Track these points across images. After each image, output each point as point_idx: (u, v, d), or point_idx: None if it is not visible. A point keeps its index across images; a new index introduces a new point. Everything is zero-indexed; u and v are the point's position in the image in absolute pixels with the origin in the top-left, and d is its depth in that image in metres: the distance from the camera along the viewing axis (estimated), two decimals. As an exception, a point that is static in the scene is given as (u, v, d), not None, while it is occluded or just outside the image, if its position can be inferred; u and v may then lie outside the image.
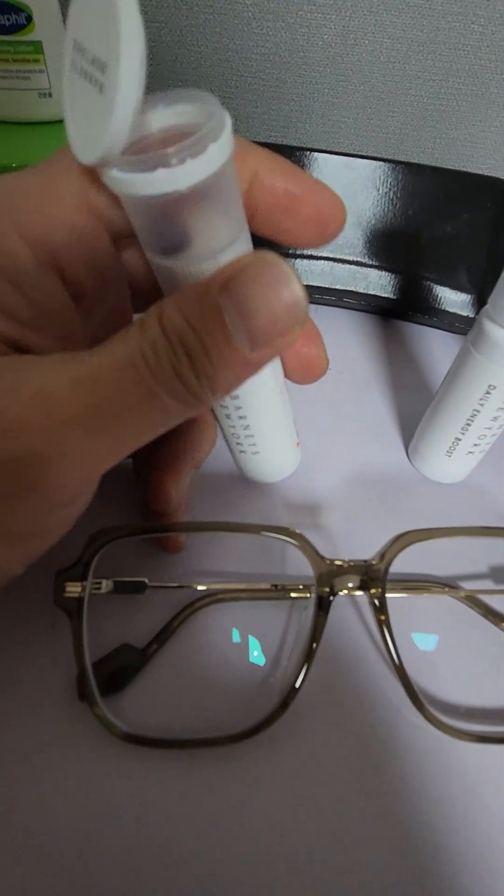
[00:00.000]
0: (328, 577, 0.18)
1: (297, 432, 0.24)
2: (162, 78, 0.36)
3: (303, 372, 0.17)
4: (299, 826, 0.17)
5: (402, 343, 0.35)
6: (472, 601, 0.22)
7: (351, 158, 0.32)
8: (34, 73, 0.28)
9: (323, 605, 0.18)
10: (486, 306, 0.21)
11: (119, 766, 0.17)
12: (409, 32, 0.33)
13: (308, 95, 0.36)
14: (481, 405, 0.22)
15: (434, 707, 0.19)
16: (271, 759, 0.18)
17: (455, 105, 0.36)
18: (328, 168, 0.33)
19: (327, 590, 0.18)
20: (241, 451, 0.22)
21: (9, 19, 0.26)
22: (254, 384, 0.18)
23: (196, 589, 0.21)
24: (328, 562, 0.18)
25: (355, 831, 0.17)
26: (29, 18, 0.26)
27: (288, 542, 0.18)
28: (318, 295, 0.34)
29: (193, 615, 0.20)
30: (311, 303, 0.36)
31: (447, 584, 0.22)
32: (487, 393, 0.21)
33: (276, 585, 0.21)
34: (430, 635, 0.21)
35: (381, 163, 0.32)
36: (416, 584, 0.22)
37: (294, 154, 0.32)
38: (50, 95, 0.29)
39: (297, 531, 0.18)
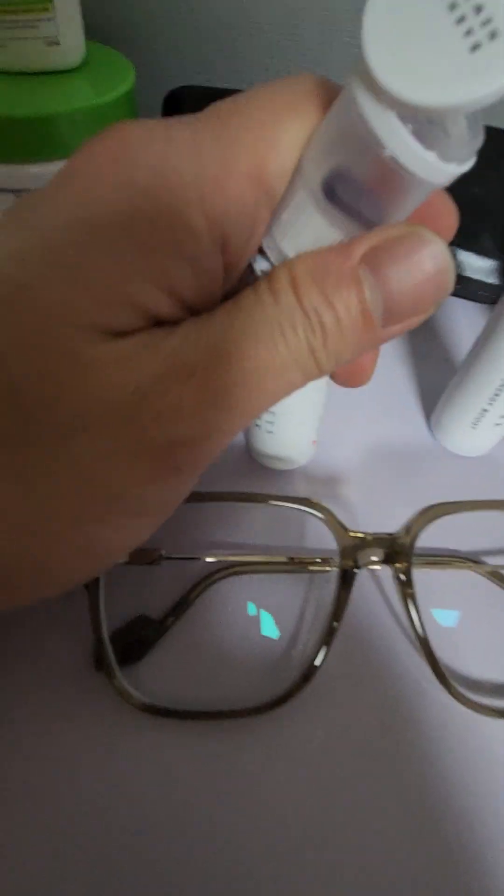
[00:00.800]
0: (352, 549, 0.18)
1: (319, 431, 0.23)
2: (179, 48, 0.34)
3: (347, 377, 0.15)
4: (317, 801, 0.17)
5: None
6: (496, 576, 0.21)
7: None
8: (43, 21, 0.26)
9: (347, 579, 0.17)
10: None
11: (137, 736, 0.17)
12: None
13: (327, 42, 0.34)
14: (512, 375, 0.21)
15: (458, 683, 0.19)
16: (291, 733, 0.18)
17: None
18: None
19: (351, 563, 0.17)
20: (256, 425, 0.22)
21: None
22: None
23: (214, 561, 0.20)
24: (352, 534, 0.18)
25: (375, 807, 0.17)
26: (35, -42, 0.24)
27: (311, 513, 0.18)
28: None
29: (211, 587, 0.20)
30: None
31: (470, 559, 0.22)
32: (519, 362, 0.20)
33: (295, 558, 0.21)
34: (453, 611, 0.21)
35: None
36: (439, 558, 0.21)
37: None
38: (58, 43, 0.27)
39: (320, 502, 0.18)
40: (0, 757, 0.17)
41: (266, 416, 0.21)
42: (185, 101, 0.31)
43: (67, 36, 0.27)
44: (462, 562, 0.21)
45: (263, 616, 0.20)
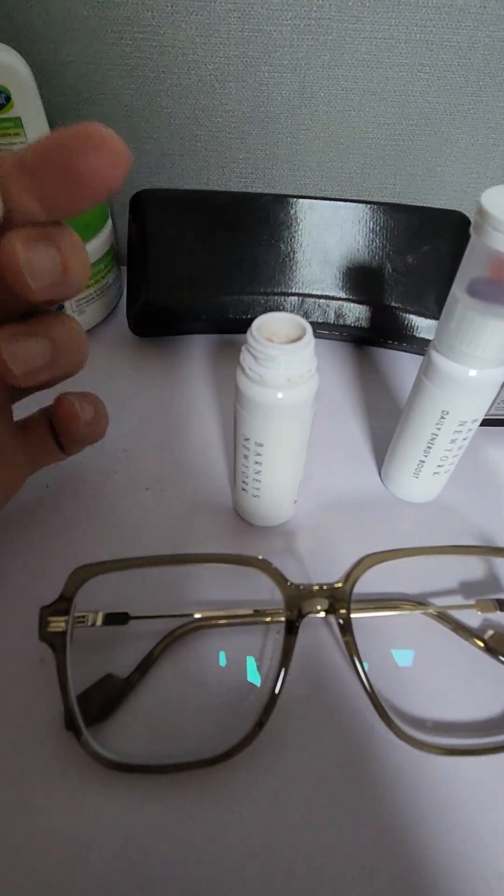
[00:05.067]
0: (296, 600, 0.19)
1: (299, 492, 0.26)
2: (137, 137, 0.38)
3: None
4: (279, 843, 0.18)
5: (376, 368, 0.36)
6: (443, 617, 0.23)
7: (315, 201, 0.35)
8: (16, 144, 0.30)
9: (292, 629, 0.19)
10: (433, 339, 0.22)
11: (105, 792, 0.18)
12: (361, 83, 0.36)
13: (272, 143, 0.39)
14: (438, 429, 0.23)
15: (405, 722, 0.20)
16: (250, 779, 0.19)
17: (410, 144, 0.38)
18: (296, 211, 0.35)
19: (295, 613, 0.19)
20: (243, 490, 0.24)
21: (-11, 101, 0.28)
22: (281, 437, 0.20)
23: (177, 617, 0.22)
24: (295, 586, 0.19)
25: (333, 847, 0.18)
26: (8, 98, 0.28)
27: (256, 570, 0.19)
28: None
29: (174, 643, 0.22)
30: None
31: (418, 602, 0.23)
32: (442, 417, 0.23)
33: (254, 611, 0.22)
34: (402, 651, 0.22)
35: (342, 203, 0.34)
36: (385, 602, 0.23)
37: (261, 200, 0.34)
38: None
39: (263, 559, 0.19)
40: (-25, 821, 0.18)
41: (252, 483, 0.23)
42: (148, 203, 0.35)
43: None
44: (409, 604, 0.23)
45: (225, 667, 0.21)
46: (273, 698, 0.19)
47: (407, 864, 0.17)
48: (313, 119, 0.37)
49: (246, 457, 0.22)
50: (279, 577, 0.19)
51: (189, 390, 0.34)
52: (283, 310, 0.36)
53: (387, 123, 0.37)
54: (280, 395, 0.19)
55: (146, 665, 0.21)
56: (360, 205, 0.35)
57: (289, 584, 0.19)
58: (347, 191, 0.41)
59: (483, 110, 0.37)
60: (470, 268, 0.19)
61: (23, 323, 0.18)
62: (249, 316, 0.36)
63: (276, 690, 0.19)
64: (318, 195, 0.41)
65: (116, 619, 0.21)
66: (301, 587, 0.19)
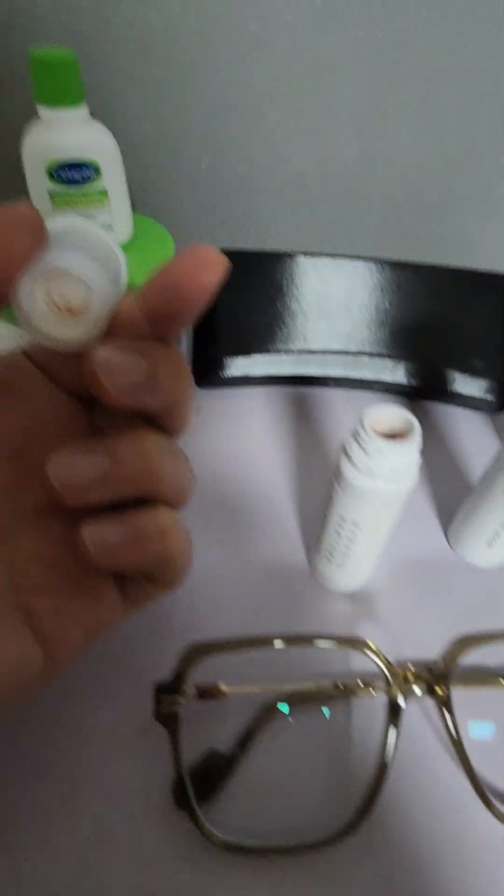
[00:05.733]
0: (399, 681, 0.20)
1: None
2: (205, 198, 0.40)
3: None
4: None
5: (430, 423, 0.37)
6: (526, 692, 0.23)
7: (371, 263, 0.36)
8: (100, 212, 0.31)
9: (395, 712, 0.20)
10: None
11: (214, 872, 0.19)
12: (421, 147, 0.37)
13: (333, 202, 0.40)
14: (521, 507, 0.24)
15: (500, 801, 0.21)
16: (354, 862, 0.19)
17: (463, 202, 0.40)
18: (353, 272, 0.36)
19: (397, 694, 0.20)
20: (328, 560, 0.25)
21: (81, 175, 0.29)
22: (378, 521, 0.21)
23: (273, 691, 0.23)
24: (396, 667, 0.20)
25: (441, 932, 0.18)
26: (97, 172, 0.30)
27: (360, 651, 0.20)
28: (349, 384, 0.38)
29: (272, 717, 0.22)
30: (345, 389, 0.38)
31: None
32: (527, 497, 0.24)
33: (345, 685, 0.23)
34: (490, 726, 0.23)
35: (398, 265, 0.36)
36: (475, 678, 0.23)
37: (320, 261, 0.36)
38: (112, 228, 0.33)
39: (367, 641, 0.20)
40: (87, 889, 0.18)
41: (340, 555, 0.24)
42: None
43: (119, 222, 0.33)
44: (497, 680, 0.24)
45: (323, 744, 0.22)
46: (379, 781, 0.19)
47: None
48: (373, 180, 0.39)
49: (338, 533, 0.23)
50: (383, 659, 0.20)
51: (252, 444, 0.35)
52: (341, 366, 0.37)
53: (443, 182, 0.39)
54: (384, 485, 0.20)
55: (246, 740, 0.21)
56: (415, 267, 0.36)
57: (391, 664, 0.20)
58: (400, 245, 0.42)
59: (538, 179, 0.38)
60: None
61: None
62: (307, 372, 0.37)
63: (382, 773, 0.19)
64: (374, 256, 0.43)
65: (213, 693, 0.21)
66: (403, 668, 0.20)
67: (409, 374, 0.37)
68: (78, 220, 0.14)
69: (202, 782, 0.20)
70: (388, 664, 0.20)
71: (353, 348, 0.36)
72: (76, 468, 0.15)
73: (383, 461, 0.20)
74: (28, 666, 0.15)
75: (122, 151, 0.37)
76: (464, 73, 0.33)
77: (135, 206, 0.41)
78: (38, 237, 0.13)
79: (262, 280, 0.36)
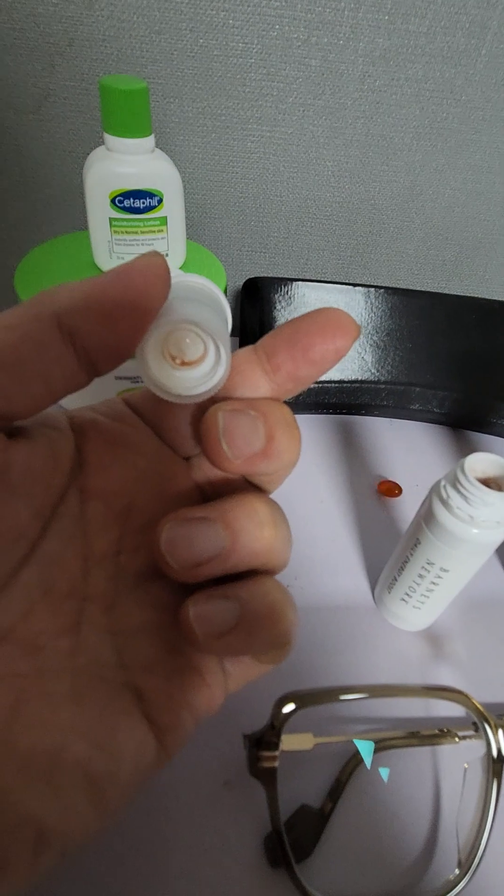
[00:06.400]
0: (495, 731, 0.20)
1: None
2: (247, 222, 0.40)
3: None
4: None
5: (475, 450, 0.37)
6: None
7: (415, 293, 0.36)
8: (157, 239, 0.31)
9: (497, 768, 0.19)
10: None
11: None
12: (469, 185, 0.37)
13: (375, 232, 0.40)
14: None
15: None
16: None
17: (503, 237, 0.40)
18: (398, 302, 0.36)
19: (499, 745, 0.19)
20: (403, 601, 0.25)
21: (144, 203, 0.29)
22: (466, 567, 0.21)
23: (358, 740, 0.22)
24: (492, 717, 0.20)
25: None
26: (160, 201, 0.29)
27: (456, 702, 0.20)
28: (396, 413, 0.38)
29: (359, 767, 0.22)
30: (391, 417, 0.38)
31: None
32: None
33: (432, 734, 0.22)
34: None
35: (444, 296, 0.36)
36: None
37: (368, 291, 0.36)
38: (168, 255, 0.32)
39: (463, 692, 0.20)
40: None
41: (419, 597, 0.24)
42: (258, 288, 0.36)
43: (175, 249, 0.32)
44: None
45: (415, 793, 0.21)
46: (481, 833, 0.19)
47: None
48: (417, 213, 0.39)
49: (422, 576, 0.23)
50: (478, 708, 0.20)
51: (310, 476, 0.34)
52: (384, 396, 0.37)
53: (485, 219, 0.39)
54: (480, 532, 0.20)
55: (336, 793, 0.21)
56: (462, 299, 0.36)
57: (489, 717, 0.20)
58: (438, 277, 0.43)
59: None
60: None
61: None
62: (356, 402, 0.37)
63: (484, 825, 0.19)
64: (411, 287, 0.43)
65: (303, 742, 0.21)
66: (500, 717, 0.20)
67: (454, 404, 0.37)
68: (182, 273, 0.14)
69: (296, 838, 0.19)
70: (482, 714, 0.20)
71: (403, 379, 0.37)
72: (194, 544, 0.13)
73: (486, 510, 0.20)
74: (145, 757, 0.13)
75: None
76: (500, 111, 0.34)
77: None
78: (167, 287, 0.12)
79: (310, 308, 0.36)
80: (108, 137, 0.27)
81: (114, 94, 0.26)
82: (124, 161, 0.28)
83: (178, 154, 0.36)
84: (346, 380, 0.36)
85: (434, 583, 0.23)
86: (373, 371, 0.36)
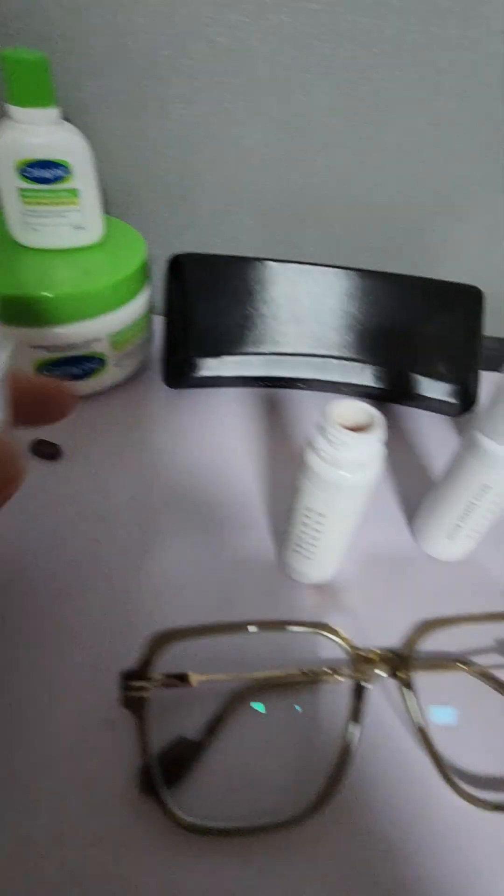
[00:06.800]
0: (362, 664, 0.21)
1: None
2: (174, 198, 0.41)
3: None
4: (351, 904, 0.19)
5: (396, 424, 0.39)
6: (486, 676, 0.25)
7: (341, 270, 0.37)
8: (71, 211, 0.32)
9: (359, 693, 0.20)
10: (476, 420, 0.24)
11: (182, 855, 0.19)
12: (388, 166, 0.39)
13: (302, 212, 0.41)
14: (477, 500, 0.26)
15: (464, 780, 0.21)
16: (319, 841, 0.20)
17: (430, 219, 0.42)
18: (323, 279, 0.37)
19: (362, 678, 0.21)
20: (296, 552, 0.26)
21: (52, 173, 0.30)
22: (343, 511, 0.22)
23: (240, 678, 0.23)
24: (361, 651, 0.21)
25: (402, 905, 0.19)
26: (68, 171, 0.30)
27: (326, 636, 0.21)
28: (318, 386, 0.39)
29: (240, 704, 0.23)
30: (314, 391, 0.40)
31: (461, 661, 0.25)
32: (482, 490, 0.25)
33: (312, 672, 0.23)
34: (449, 709, 0.24)
35: (367, 273, 0.37)
36: (436, 662, 0.24)
37: (291, 267, 0.37)
38: (83, 228, 0.33)
39: (332, 626, 0.21)
40: (56, 879, 0.18)
41: (307, 547, 0.25)
42: (187, 265, 0.37)
43: (90, 221, 0.33)
44: (455, 664, 0.25)
45: (290, 728, 0.22)
46: (343, 762, 0.20)
47: (472, 921, 0.18)
48: (342, 193, 0.40)
49: (305, 524, 0.24)
50: (348, 643, 0.21)
51: (223, 443, 0.35)
52: (311, 369, 0.38)
53: (411, 201, 0.41)
54: (349, 476, 0.21)
55: (215, 726, 0.22)
56: (383, 275, 0.37)
57: (355, 648, 0.21)
58: (371, 257, 0.44)
59: (494, 195, 0.40)
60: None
61: None
62: (278, 373, 0.38)
63: (346, 754, 0.20)
64: (343, 264, 0.44)
65: (181, 680, 0.22)
66: (367, 652, 0.21)
67: (376, 377, 0.38)
68: None
69: (170, 768, 0.20)
70: (352, 648, 0.21)
71: (322, 352, 0.38)
72: None
73: (348, 451, 0.21)
74: None
75: (98, 156, 0.38)
76: (436, 91, 0.35)
77: (109, 210, 0.42)
78: None
79: (234, 284, 0.37)
80: (12, 108, 0.28)
81: (14, 63, 0.27)
82: (28, 131, 0.28)
83: (99, 132, 0.37)
84: (266, 352, 0.37)
85: (317, 530, 0.24)
86: (293, 343, 0.37)
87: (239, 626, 0.21)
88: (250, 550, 0.29)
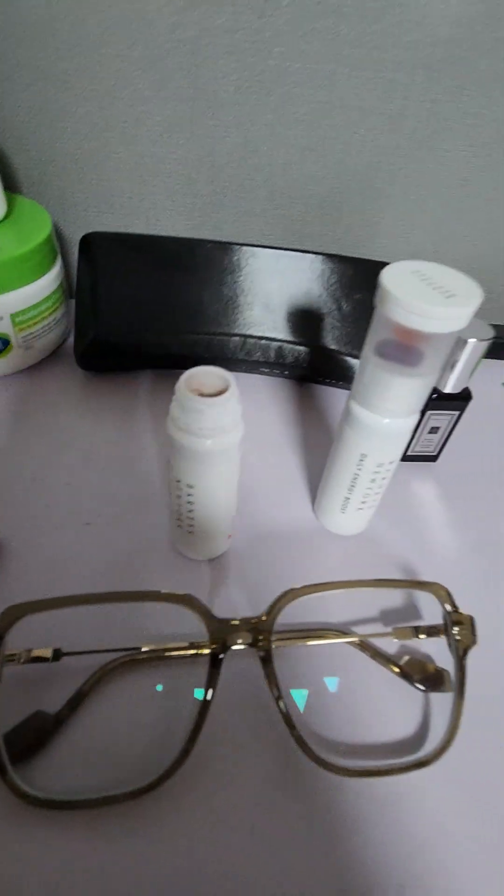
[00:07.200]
0: (220, 634, 0.20)
1: (234, 527, 0.27)
2: (86, 178, 0.40)
3: None
4: (200, 869, 0.18)
5: (314, 404, 0.39)
6: (363, 645, 0.25)
7: (257, 248, 0.37)
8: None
9: (215, 662, 0.20)
10: (351, 390, 0.24)
11: (33, 831, 0.19)
12: (301, 141, 0.38)
13: (219, 191, 0.41)
14: (359, 470, 0.25)
15: (323, 748, 0.21)
16: (175, 809, 0.20)
17: (347, 197, 0.41)
18: (239, 258, 0.37)
19: (219, 647, 0.20)
20: (178, 526, 0.25)
21: None
22: (210, 480, 0.22)
23: (108, 652, 0.23)
24: (219, 621, 0.21)
25: (253, 871, 0.19)
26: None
27: (181, 606, 0.21)
28: (237, 367, 0.38)
29: (105, 679, 0.22)
30: (235, 371, 0.39)
31: (340, 631, 0.25)
32: (361, 460, 0.25)
33: (184, 644, 0.23)
34: (325, 679, 0.24)
35: (283, 251, 0.37)
36: (309, 633, 0.24)
37: (207, 246, 0.36)
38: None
39: (189, 595, 0.21)
40: None
41: (186, 520, 0.25)
42: (97, 244, 0.36)
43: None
44: (333, 633, 0.24)
45: (154, 701, 0.22)
46: (196, 729, 0.20)
47: (321, 881, 0.18)
48: (257, 170, 0.40)
49: (178, 496, 0.24)
50: (204, 612, 0.21)
51: (134, 426, 0.35)
52: (227, 349, 0.37)
53: (325, 178, 0.40)
54: (208, 442, 0.21)
55: (76, 701, 0.21)
56: (301, 254, 0.37)
57: (213, 618, 0.21)
58: (290, 236, 0.44)
59: (412, 170, 0.40)
60: (376, 332, 0.21)
61: None
62: (194, 354, 0.37)
63: (199, 722, 0.20)
64: (261, 243, 0.44)
65: (42, 657, 0.21)
66: (225, 621, 0.21)
67: (296, 356, 0.38)
68: None
69: (23, 743, 0.20)
70: (208, 616, 0.21)
71: (240, 331, 0.37)
72: None
73: (204, 419, 0.20)
74: None
75: (5, 133, 0.37)
76: (344, 63, 0.35)
77: (19, 189, 0.41)
78: None
79: (146, 263, 0.37)
80: None
81: None
82: None
83: (5, 108, 0.36)
84: (179, 332, 0.36)
85: (190, 502, 0.24)
86: (209, 324, 0.37)
87: (93, 598, 0.21)
88: (147, 530, 0.29)
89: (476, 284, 0.20)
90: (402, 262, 0.20)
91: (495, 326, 0.45)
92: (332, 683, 0.24)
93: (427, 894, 0.18)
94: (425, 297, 0.19)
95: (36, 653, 0.21)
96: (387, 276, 0.19)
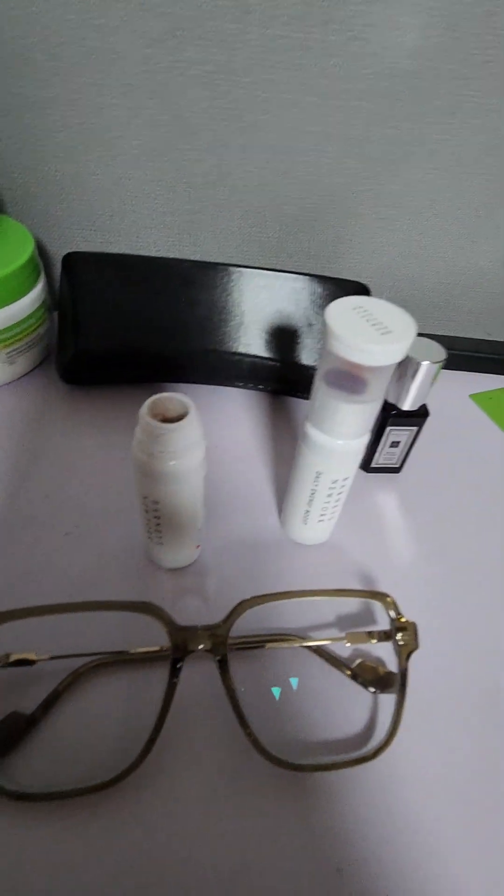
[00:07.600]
0: (180, 641, 0.22)
1: (202, 538, 0.29)
2: (67, 199, 0.41)
3: None
4: (161, 854, 0.20)
5: (286, 416, 0.40)
6: (318, 650, 0.26)
7: (233, 268, 0.38)
8: None
9: (175, 667, 0.22)
10: (307, 413, 0.26)
11: (3, 823, 0.21)
12: (272, 164, 0.40)
13: (196, 210, 0.42)
14: (316, 485, 0.27)
15: (277, 746, 0.23)
16: (137, 800, 0.22)
17: (320, 217, 0.43)
18: (215, 276, 0.38)
19: (179, 653, 0.22)
20: (148, 538, 0.27)
21: None
22: (173, 498, 0.24)
23: (80, 657, 0.24)
24: (179, 628, 0.22)
25: (207, 856, 0.20)
26: None
27: (145, 615, 0.22)
28: (212, 381, 0.40)
29: (77, 682, 0.24)
30: (210, 385, 0.41)
31: (296, 636, 0.27)
32: (317, 477, 0.27)
33: (152, 650, 0.25)
34: (284, 681, 0.25)
35: (257, 270, 0.38)
36: (266, 639, 0.26)
37: (184, 265, 0.38)
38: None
39: (151, 603, 0.22)
40: None
41: (154, 532, 0.26)
42: (79, 263, 0.38)
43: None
44: (284, 640, 0.26)
45: (123, 703, 0.24)
46: (157, 729, 0.21)
47: (270, 864, 0.20)
48: (232, 192, 0.41)
49: (146, 511, 0.26)
50: (166, 619, 0.22)
51: (113, 438, 0.36)
52: (203, 363, 0.39)
53: (297, 199, 0.42)
54: (171, 464, 0.23)
55: (50, 702, 0.23)
56: (274, 273, 0.39)
57: (174, 625, 0.22)
58: (266, 252, 0.45)
59: (380, 191, 0.42)
60: (325, 363, 0.23)
61: None
62: (172, 367, 0.39)
63: (160, 722, 0.22)
64: (237, 261, 0.45)
65: (21, 661, 0.23)
66: (185, 628, 0.22)
67: (269, 371, 0.40)
68: None
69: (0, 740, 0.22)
70: (170, 625, 0.22)
71: (215, 347, 0.39)
72: None
73: (165, 443, 0.22)
74: None
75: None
76: (310, 92, 0.36)
77: (4, 210, 0.42)
78: None
79: (126, 282, 0.38)
80: None
81: None
82: None
83: (-15, 133, 0.37)
84: (157, 348, 0.38)
85: (156, 517, 0.25)
86: (185, 340, 0.38)
87: (61, 608, 0.22)
88: (123, 541, 0.30)
89: (412, 320, 0.21)
90: (345, 298, 0.22)
91: (468, 340, 0.47)
92: (287, 686, 0.26)
93: (360, 876, 0.20)
94: (364, 334, 0.20)
95: (14, 657, 0.23)
96: (331, 314, 0.21)
